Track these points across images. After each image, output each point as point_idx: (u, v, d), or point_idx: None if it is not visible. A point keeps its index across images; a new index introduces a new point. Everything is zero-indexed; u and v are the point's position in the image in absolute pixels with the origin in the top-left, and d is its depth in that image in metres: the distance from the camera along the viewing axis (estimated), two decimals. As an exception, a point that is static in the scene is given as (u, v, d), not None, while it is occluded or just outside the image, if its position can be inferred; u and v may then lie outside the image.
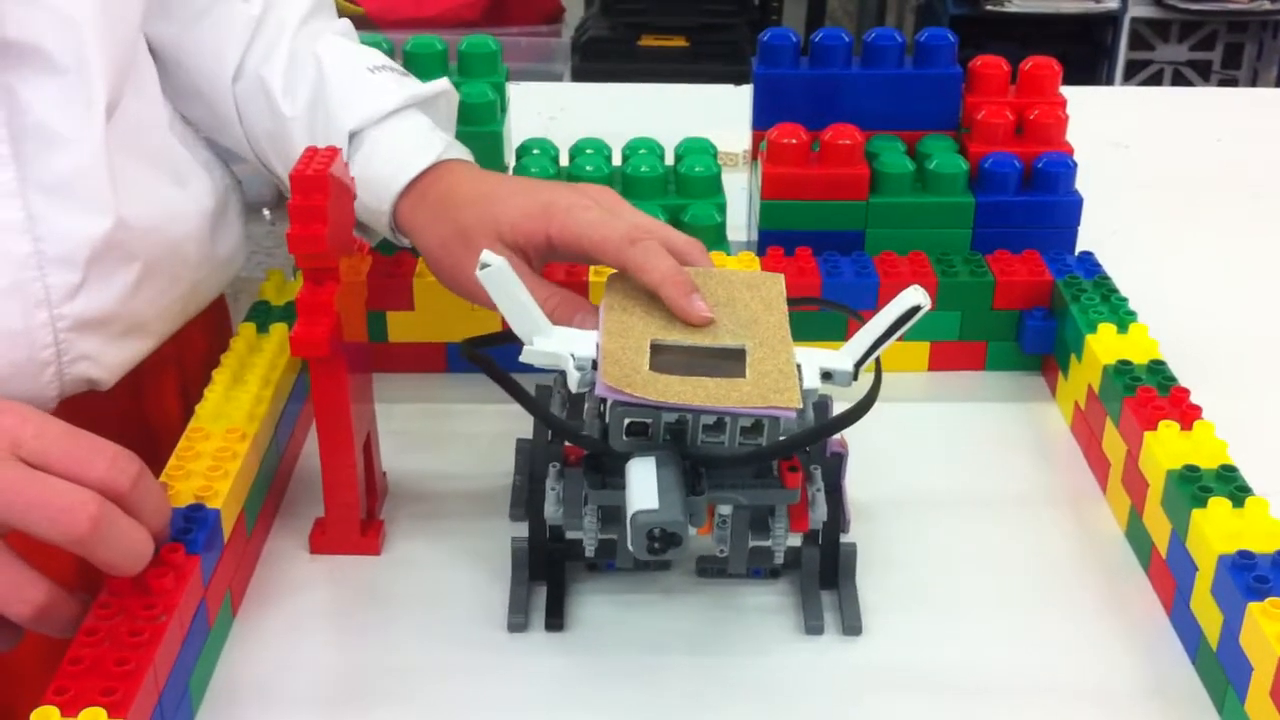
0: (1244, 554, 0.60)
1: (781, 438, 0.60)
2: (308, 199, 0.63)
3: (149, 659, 0.54)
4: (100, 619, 0.56)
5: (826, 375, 0.65)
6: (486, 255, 0.61)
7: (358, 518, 0.69)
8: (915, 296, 0.63)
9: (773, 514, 0.64)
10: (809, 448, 0.65)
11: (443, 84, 0.82)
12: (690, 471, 0.59)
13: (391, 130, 0.77)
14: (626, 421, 0.59)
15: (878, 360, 0.65)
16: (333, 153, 0.65)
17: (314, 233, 0.63)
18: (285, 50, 0.79)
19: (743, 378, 0.61)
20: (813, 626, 0.65)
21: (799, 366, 0.62)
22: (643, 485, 0.57)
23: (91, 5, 0.69)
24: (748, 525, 0.63)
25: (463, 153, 0.79)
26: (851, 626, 0.65)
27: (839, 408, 0.63)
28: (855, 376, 0.65)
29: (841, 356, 0.65)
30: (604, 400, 0.60)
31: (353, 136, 0.77)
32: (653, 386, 0.59)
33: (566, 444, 0.66)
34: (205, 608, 0.61)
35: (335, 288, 0.65)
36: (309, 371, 0.66)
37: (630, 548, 0.57)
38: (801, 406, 0.60)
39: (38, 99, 0.68)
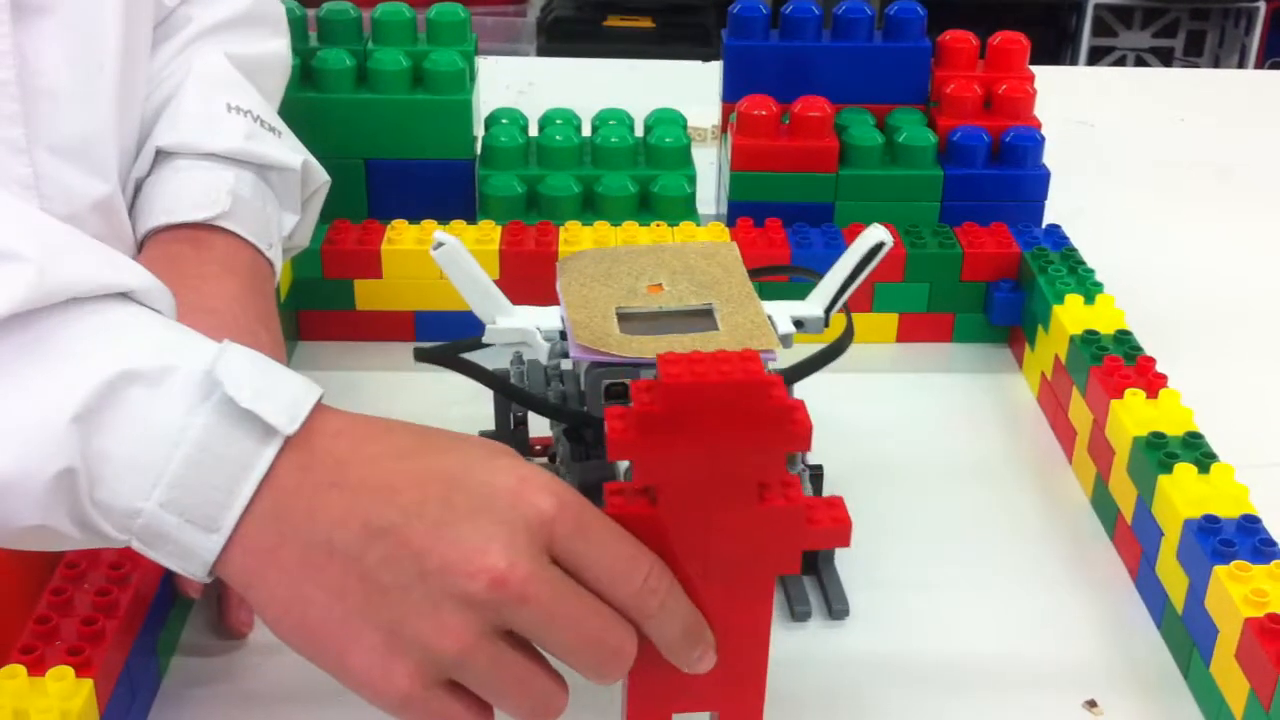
0: (1209, 518, 0.60)
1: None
2: None
3: (117, 619, 0.54)
4: (68, 580, 0.55)
5: (798, 323, 0.64)
6: (439, 235, 0.61)
7: None
8: (878, 234, 0.63)
9: None
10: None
11: (290, 158, 0.74)
12: None
13: (195, 174, 0.71)
14: (605, 384, 0.59)
15: (847, 303, 0.65)
16: None
17: None
18: (172, 48, 0.75)
19: (716, 331, 0.61)
20: (800, 613, 0.64)
21: (770, 317, 0.62)
22: None
23: None
24: None
25: (254, 236, 0.70)
26: (839, 610, 0.64)
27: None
28: (827, 323, 0.65)
29: (811, 304, 0.65)
30: (576, 379, 0.59)
31: (160, 154, 0.72)
32: (628, 346, 0.59)
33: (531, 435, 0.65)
34: (173, 570, 0.61)
35: None
36: None
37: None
38: (780, 349, 0.59)
39: (49, 58, 0.67)
